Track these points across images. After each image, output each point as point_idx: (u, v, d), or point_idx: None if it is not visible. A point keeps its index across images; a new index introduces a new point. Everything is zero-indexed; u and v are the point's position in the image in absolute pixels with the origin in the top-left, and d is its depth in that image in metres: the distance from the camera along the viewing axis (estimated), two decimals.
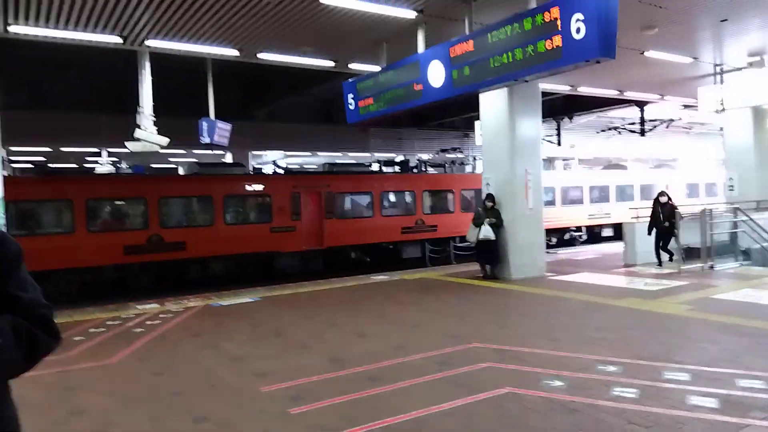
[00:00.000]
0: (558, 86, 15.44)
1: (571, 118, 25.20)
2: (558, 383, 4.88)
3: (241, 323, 7.95)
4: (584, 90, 16.02)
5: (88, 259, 12.78)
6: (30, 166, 19.56)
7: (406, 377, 5.19)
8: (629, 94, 17.46)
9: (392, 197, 17.84)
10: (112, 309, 9.44)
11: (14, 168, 18.11)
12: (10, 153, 16.01)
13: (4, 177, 8.34)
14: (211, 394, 5.00)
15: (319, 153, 27.56)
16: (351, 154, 27.73)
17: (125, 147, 14.24)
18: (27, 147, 20.78)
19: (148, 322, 8.23)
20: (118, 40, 9.57)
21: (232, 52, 10.58)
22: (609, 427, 3.92)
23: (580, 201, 21.99)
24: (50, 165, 23.32)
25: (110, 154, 22.48)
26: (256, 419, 4.34)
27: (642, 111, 22.61)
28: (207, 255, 14.32)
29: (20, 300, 1.51)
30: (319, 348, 6.42)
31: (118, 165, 22.24)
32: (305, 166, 30.89)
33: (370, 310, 8.57)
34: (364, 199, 17.19)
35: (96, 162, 23.10)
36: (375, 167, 20.10)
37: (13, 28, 8.72)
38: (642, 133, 23.51)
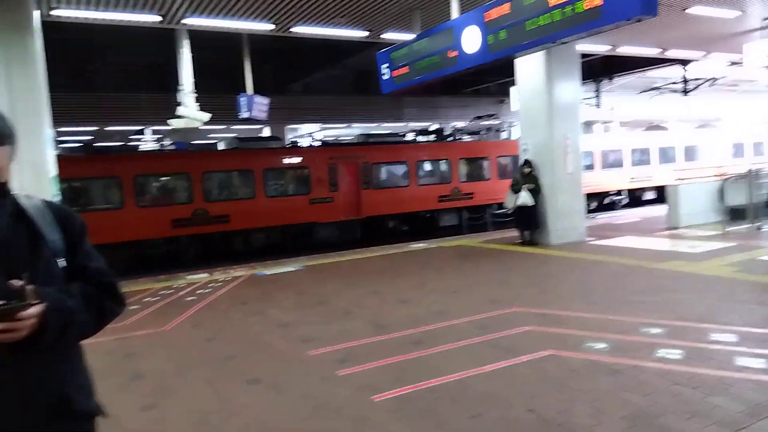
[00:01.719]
0: (597, 47, 14.94)
1: (610, 79, 24.41)
2: (600, 345, 4.92)
3: (286, 291, 8.20)
4: (624, 50, 15.46)
5: (138, 232, 13.30)
6: (78, 145, 20.25)
7: (448, 341, 5.32)
8: (671, 53, 16.75)
9: (428, 166, 17.82)
10: (164, 279, 9.86)
11: (63, 147, 18.78)
12: (58, 133, 16.60)
13: (56, 156, 8.71)
14: (261, 357, 5.24)
15: (354, 124, 27.57)
16: (386, 124, 27.65)
17: (167, 124, 14.61)
18: (74, 127, 21.52)
19: (199, 291, 8.58)
20: (157, 18, 9.74)
21: (266, 27, 10.64)
22: (653, 389, 3.95)
23: (620, 164, 21.50)
24: (96, 144, 24.08)
25: (153, 132, 23.05)
26: (305, 380, 4.54)
27: (685, 69, 21.73)
28: (249, 227, 14.70)
29: (87, 269, 1.64)
30: (362, 314, 6.60)
31: (161, 142, 22.81)
32: (340, 138, 31.00)
33: (410, 277, 8.70)
34: (400, 169, 17.23)
35: (140, 140, 23.74)
36: (410, 137, 20.04)
37: (55, 12, 8.97)
38: (685, 92, 22.64)
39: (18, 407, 1.42)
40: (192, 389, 4.54)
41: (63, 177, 9.03)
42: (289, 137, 26.37)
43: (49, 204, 1.65)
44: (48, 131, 8.19)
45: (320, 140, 23.43)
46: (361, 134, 19.16)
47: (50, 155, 8.20)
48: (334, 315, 6.65)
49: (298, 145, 20.85)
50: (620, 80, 24.80)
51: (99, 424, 1.69)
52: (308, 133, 28.65)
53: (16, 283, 1.36)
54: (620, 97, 26.88)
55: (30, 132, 7.64)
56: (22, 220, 1.55)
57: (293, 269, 10.17)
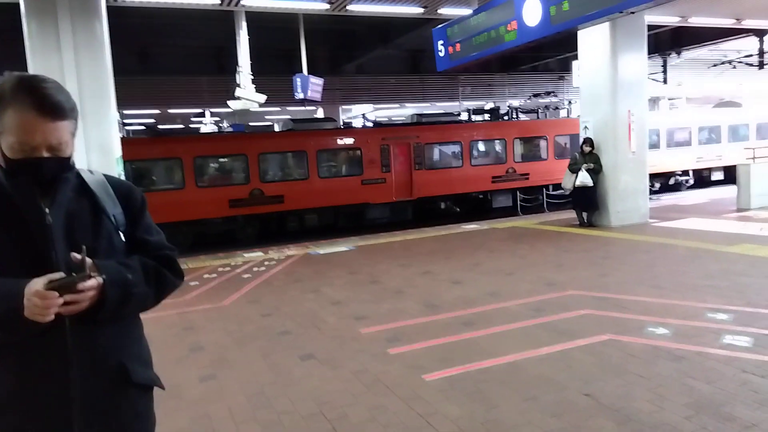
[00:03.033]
0: (666, 18, 14.11)
1: (678, 53, 23.11)
2: (663, 331, 4.72)
3: (339, 270, 8.30)
4: (696, 21, 14.55)
5: (197, 212, 13.76)
6: (142, 127, 21.04)
7: (500, 323, 5.24)
8: (747, 23, 15.65)
9: (482, 146, 17.51)
10: (222, 257, 10.17)
11: (127, 130, 19.57)
12: (122, 116, 17.29)
13: (120, 138, 9.07)
14: (315, 334, 5.33)
15: (407, 104, 27.36)
16: (439, 104, 27.30)
17: (226, 106, 14.95)
18: (137, 110, 22.36)
19: (255, 269, 8.81)
20: (216, 0, 9.91)
21: (322, 6, 10.64)
22: (719, 376, 3.77)
23: (687, 143, 20.47)
24: (159, 126, 24.97)
25: (212, 114, 23.67)
26: (357, 357, 4.59)
27: (761, 41, 20.28)
28: (303, 207, 14.93)
29: (147, 243, 1.67)
30: (413, 294, 6.60)
31: (220, 124, 23.40)
32: (393, 119, 30.85)
33: (462, 259, 8.62)
34: (453, 149, 17.01)
35: (200, 122, 24.43)
36: (464, 116, 19.72)
37: None
38: (761, 65, 21.15)
39: (78, 377, 1.47)
40: (248, 362, 4.67)
41: (127, 158, 9.42)
42: (343, 118, 26.49)
43: (110, 179, 1.70)
44: (113, 113, 8.52)
45: (373, 121, 23.37)
46: (414, 114, 18.98)
47: (115, 137, 8.54)
48: (386, 294, 6.68)
49: (351, 126, 20.90)
50: (689, 54, 23.46)
51: (160, 394, 1.74)
52: (362, 114, 28.66)
53: (77, 256, 1.40)
54: (689, 71, 25.47)
55: (97, 114, 7.97)
56: (84, 194, 1.59)
57: (345, 249, 10.27)
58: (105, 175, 1.69)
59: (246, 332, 5.52)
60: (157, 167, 14.05)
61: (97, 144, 7.99)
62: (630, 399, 3.53)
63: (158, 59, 21.69)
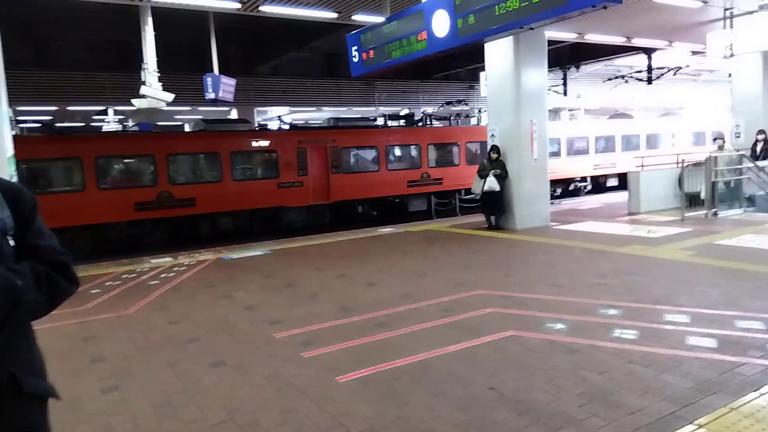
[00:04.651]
0: (565, 34, 15.15)
1: (578, 67, 24.76)
2: (560, 326, 5.06)
3: (253, 275, 8.16)
4: (591, 37, 15.72)
5: (99, 215, 12.99)
6: (37, 125, 19.55)
7: (412, 323, 5.39)
8: (637, 41, 17.10)
9: (398, 151, 17.83)
10: (127, 263, 9.68)
11: (21, 127, 18.13)
12: (16, 112, 16.00)
13: (13, 136, 8.40)
14: (226, 340, 5.23)
15: (324, 108, 27.35)
16: (356, 108, 27.51)
17: (131, 104, 14.22)
18: (33, 106, 20.77)
19: (163, 275, 8.46)
20: None
21: (233, 5, 10.44)
22: (609, 366, 4.09)
23: (585, 151, 21.91)
24: (57, 124, 23.32)
25: (116, 112, 22.43)
26: (270, 362, 4.55)
27: (649, 58, 22.21)
28: (216, 210, 14.51)
29: (38, 247, 1.60)
30: (328, 297, 6.62)
31: (125, 123, 22.20)
32: (310, 122, 30.70)
33: (377, 261, 8.75)
34: (370, 154, 17.21)
35: (103, 120, 23.06)
36: (380, 121, 20.00)
37: None
38: (649, 81, 23.14)
39: None
40: (154, 372, 4.50)
41: (21, 158, 8.74)
42: (258, 120, 26.01)
43: None
44: (4, 109, 7.88)
45: (289, 123, 23.15)
46: (331, 118, 19.02)
47: (7, 134, 7.90)
48: (301, 298, 6.66)
49: (267, 128, 20.58)
50: (587, 68, 25.21)
51: (58, 407, 1.67)
52: (278, 116, 28.30)
53: None
54: (587, 85, 27.33)
55: None
56: None
57: (260, 253, 10.11)
58: None
59: (152, 341, 5.31)
60: (55, 168, 13.12)
61: None
62: (530, 390, 3.76)
63: (56, 53, 20.29)
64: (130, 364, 4.72)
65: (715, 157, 11.51)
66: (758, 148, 12.97)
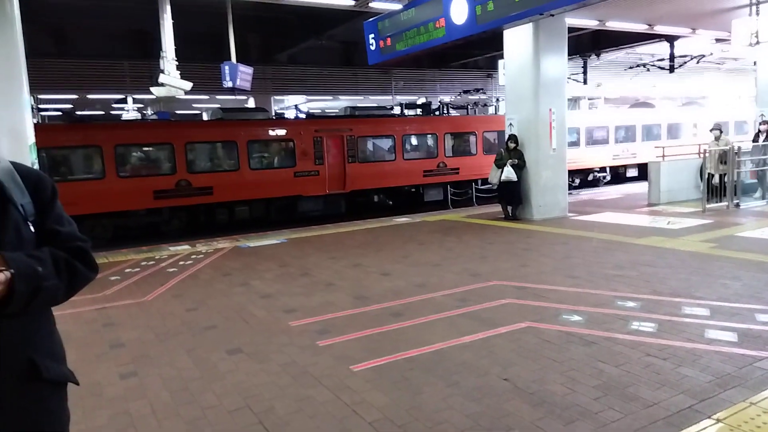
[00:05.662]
0: (585, 21, 14.85)
1: (598, 55, 24.34)
2: (576, 318, 5.02)
3: (269, 263, 8.21)
4: (612, 25, 15.40)
5: (118, 203, 13.16)
6: (58, 113, 19.79)
7: (427, 313, 5.39)
8: (659, 29, 16.72)
9: (414, 140, 17.75)
10: (146, 251, 9.81)
11: (42, 115, 18.39)
12: (37, 100, 16.21)
13: (34, 124, 8.53)
14: (243, 327, 5.28)
15: (341, 97, 27.29)
16: (372, 97, 27.40)
17: (150, 93, 14.32)
18: (54, 94, 21.03)
19: (181, 263, 8.56)
20: None
21: None
22: (626, 359, 4.06)
23: (605, 141, 21.63)
24: (78, 112, 23.60)
25: (135, 101, 22.62)
26: (285, 350, 4.59)
27: (672, 46, 21.72)
28: (233, 199, 14.61)
29: (58, 234, 1.61)
30: (344, 286, 6.64)
31: (143, 111, 22.40)
32: (327, 111, 30.68)
33: (392, 251, 8.75)
34: (386, 143, 17.15)
35: (122, 108, 23.28)
36: (397, 110, 19.92)
37: None
38: (671, 69, 22.64)
39: None
40: (172, 358, 4.56)
41: (42, 146, 8.87)
42: (275, 108, 26.05)
43: (18, 167, 1.63)
44: (26, 97, 8.00)
45: (305, 112, 23.19)
46: (348, 107, 18.98)
47: (29, 122, 8.03)
48: (316, 287, 6.69)
49: (284, 116, 20.61)
50: (607, 56, 24.76)
51: (77, 392, 1.70)
52: (294, 105, 28.33)
53: None
54: (607, 73, 26.89)
55: (6, 96, 7.48)
56: None
57: (276, 242, 10.17)
58: (12, 163, 1.62)
59: (170, 327, 5.38)
60: (75, 156, 13.29)
61: (7, 129, 7.51)
62: (544, 382, 3.74)
63: (76, 41, 20.47)
64: (148, 350, 4.79)
65: (739, 147, 11.28)
66: (761, 139, 12.55)
